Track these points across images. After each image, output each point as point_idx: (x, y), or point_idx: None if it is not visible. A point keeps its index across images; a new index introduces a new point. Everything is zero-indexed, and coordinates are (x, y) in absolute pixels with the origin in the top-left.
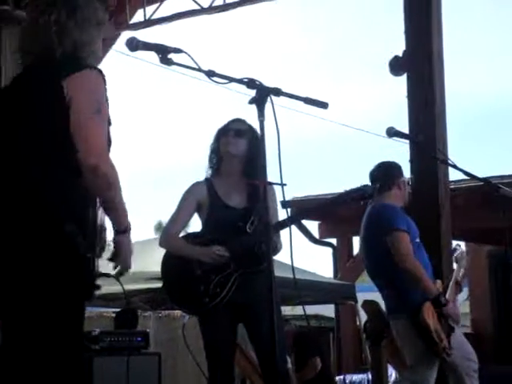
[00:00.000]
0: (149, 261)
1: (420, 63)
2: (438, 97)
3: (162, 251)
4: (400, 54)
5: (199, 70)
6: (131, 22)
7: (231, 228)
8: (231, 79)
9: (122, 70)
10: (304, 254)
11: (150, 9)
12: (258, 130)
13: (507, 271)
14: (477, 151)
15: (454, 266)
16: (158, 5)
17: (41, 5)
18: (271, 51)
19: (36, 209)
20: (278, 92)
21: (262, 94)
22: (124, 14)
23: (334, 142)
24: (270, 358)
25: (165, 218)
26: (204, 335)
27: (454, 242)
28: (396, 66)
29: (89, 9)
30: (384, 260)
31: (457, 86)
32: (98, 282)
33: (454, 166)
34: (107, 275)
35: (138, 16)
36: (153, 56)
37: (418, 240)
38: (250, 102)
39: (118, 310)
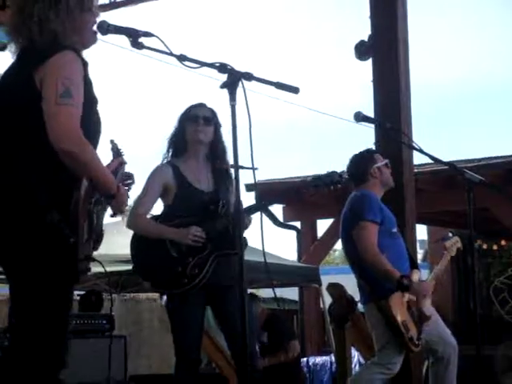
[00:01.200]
0: (114, 243)
1: (385, 48)
2: (402, 81)
3: (128, 233)
4: (366, 39)
5: (170, 54)
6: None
7: (203, 211)
8: (202, 63)
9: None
10: (268, 237)
11: None
12: (230, 115)
13: (469, 254)
14: (442, 136)
15: (445, 252)
16: None
17: None
18: (240, 34)
19: (17, 196)
20: (249, 76)
21: (234, 79)
22: None
23: (302, 127)
24: (240, 340)
25: (130, 201)
26: (175, 315)
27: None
28: (362, 51)
29: None
30: (354, 249)
31: (422, 71)
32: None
33: (420, 150)
34: (91, 259)
35: None
36: (122, 39)
37: (394, 230)
38: (222, 87)
39: (82, 292)
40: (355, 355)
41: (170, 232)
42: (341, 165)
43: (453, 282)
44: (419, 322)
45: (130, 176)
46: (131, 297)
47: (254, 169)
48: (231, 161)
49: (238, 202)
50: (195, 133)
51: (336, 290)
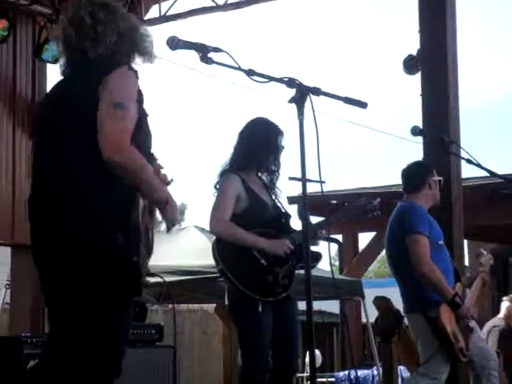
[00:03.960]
0: (155, 255)
1: (434, 62)
2: (451, 95)
3: (167, 246)
4: (413, 53)
5: (239, 68)
6: (146, 17)
7: (277, 224)
8: (271, 78)
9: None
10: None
11: (165, 5)
12: (298, 129)
13: (507, 269)
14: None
15: (480, 268)
16: (173, 1)
17: (78, 9)
18: (285, 48)
19: (82, 213)
20: (317, 91)
21: (302, 93)
22: (139, 10)
23: (342, 140)
24: (295, 350)
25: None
26: (262, 322)
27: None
28: (410, 65)
29: (121, 17)
30: (403, 259)
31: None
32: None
33: (479, 165)
34: (152, 274)
35: (153, 12)
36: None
37: (440, 242)
38: (290, 101)
39: None
40: (400, 370)
41: (264, 242)
42: (378, 179)
43: (492, 296)
44: (465, 333)
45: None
46: (173, 308)
47: (321, 182)
48: (295, 174)
49: (306, 213)
50: (272, 163)
51: (383, 303)
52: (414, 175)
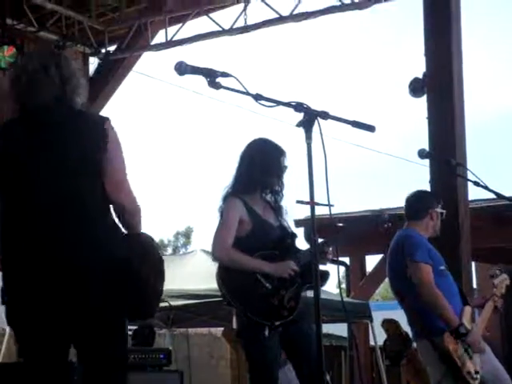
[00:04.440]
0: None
1: (441, 85)
2: (457, 119)
3: (174, 270)
4: (418, 76)
5: (247, 93)
6: (153, 42)
7: (282, 245)
8: (279, 102)
9: (141, 90)
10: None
11: (171, 30)
12: (306, 153)
13: None
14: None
15: (494, 290)
16: (179, 26)
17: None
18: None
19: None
20: (325, 115)
21: (310, 117)
22: (146, 35)
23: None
24: (315, 369)
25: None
26: (268, 347)
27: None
28: (416, 88)
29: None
30: (406, 287)
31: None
32: None
33: (486, 188)
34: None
35: (160, 37)
36: (174, 77)
37: (442, 267)
38: (298, 125)
39: (134, 327)
40: None
41: (268, 266)
42: (386, 201)
43: (500, 318)
44: (474, 353)
45: None
46: (181, 332)
47: (330, 205)
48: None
49: (314, 236)
50: (277, 183)
51: (391, 325)
52: (416, 203)
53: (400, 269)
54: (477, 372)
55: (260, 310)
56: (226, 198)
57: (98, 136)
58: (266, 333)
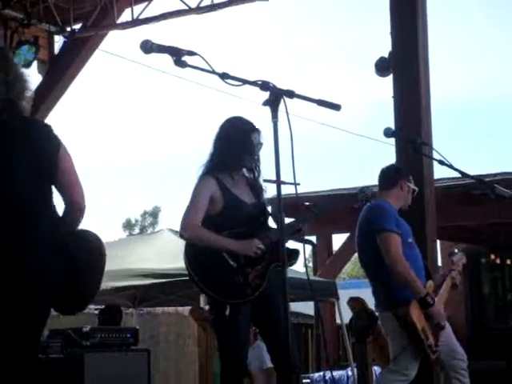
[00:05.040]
0: (129, 259)
1: (406, 64)
2: (423, 97)
3: (141, 249)
4: (385, 55)
5: (213, 72)
6: (118, 21)
7: (254, 222)
8: (244, 81)
9: (107, 68)
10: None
11: (137, 8)
12: (272, 131)
13: (479, 269)
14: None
15: (452, 267)
16: (145, 4)
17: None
18: (258, 50)
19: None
20: (291, 94)
21: (276, 96)
22: (112, 14)
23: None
24: (284, 344)
25: (133, 215)
26: (232, 326)
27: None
28: (382, 67)
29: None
30: (374, 258)
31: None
32: None
33: (451, 166)
34: None
35: (126, 15)
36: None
37: (410, 240)
38: (264, 104)
39: (100, 306)
40: (374, 370)
41: (233, 244)
42: (347, 180)
43: (465, 297)
44: (436, 330)
45: None
46: (148, 311)
47: (296, 184)
48: (270, 176)
49: (281, 215)
50: (251, 159)
51: (357, 303)
52: (387, 174)
53: (369, 238)
54: (436, 345)
55: (223, 289)
56: (199, 177)
57: (49, 141)
58: (227, 312)
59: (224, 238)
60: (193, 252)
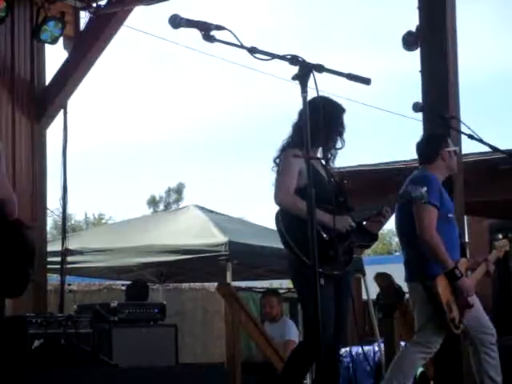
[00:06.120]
0: (155, 235)
1: (433, 38)
2: (451, 72)
3: (167, 225)
4: (412, 30)
5: (242, 46)
6: None
7: (336, 201)
8: (274, 55)
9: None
10: None
11: None
12: (302, 105)
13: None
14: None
15: (493, 252)
16: None
17: None
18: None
19: None
20: (320, 68)
21: (305, 70)
22: None
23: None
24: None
25: (157, 192)
26: (321, 295)
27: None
28: (409, 41)
29: None
30: (410, 228)
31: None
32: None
33: (481, 141)
34: None
35: None
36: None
37: (451, 215)
38: (294, 78)
39: (127, 282)
40: (401, 346)
41: (328, 217)
42: (379, 156)
43: (493, 276)
44: (462, 307)
45: None
46: (174, 287)
47: (325, 159)
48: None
49: (311, 190)
50: (337, 141)
51: (384, 279)
52: (426, 146)
53: (408, 207)
54: (460, 322)
55: (318, 259)
56: (285, 149)
57: None
58: (322, 281)
59: (319, 211)
60: (287, 220)
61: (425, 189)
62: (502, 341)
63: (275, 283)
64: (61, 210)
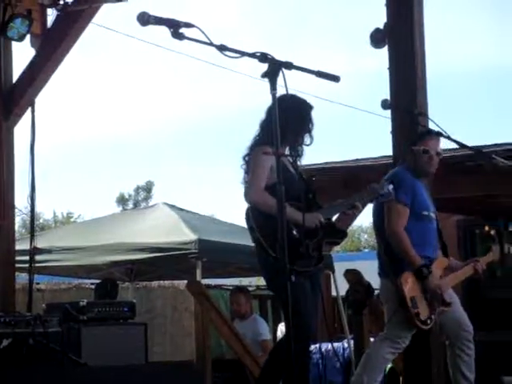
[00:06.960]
0: (125, 233)
1: (401, 35)
2: (419, 69)
3: (136, 223)
4: (380, 27)
5: (211, 44)
6: None
7: (305, 198)
8: (243, 53)
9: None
10: None
11: None
12: (271, 103)
13: (474, 241)
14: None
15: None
16: None
17: None
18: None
19: None
20: (289, 65)
21: (275, 68)
22: None
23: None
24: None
25: (125, 190)
26: (303, 293)
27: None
28: (377, 38)
29: None
30: (382, 224)
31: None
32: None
33: (448, 137)
34: None
35: None
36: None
37: (425, 212)
38: (263, 76)
39: (96, 281)
40: (370, 341)
41: (299, 214)
42: (342, 153)
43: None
44: (434, 304)
45: None
46: (144, 285)
47: (293, 156)
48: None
49: (280, 186)
50: (305, 139)
51: (353, 276)
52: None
53: (380, 207)
54: (430, 318)
55: (290, 256)
56: (254, 147)
57: None
58: (293, 278)
59: (289, 207)
60: (258, 217)
61: (391, 186)
62: (478, 336)
63: (245, 281)
64: (29, 208)
